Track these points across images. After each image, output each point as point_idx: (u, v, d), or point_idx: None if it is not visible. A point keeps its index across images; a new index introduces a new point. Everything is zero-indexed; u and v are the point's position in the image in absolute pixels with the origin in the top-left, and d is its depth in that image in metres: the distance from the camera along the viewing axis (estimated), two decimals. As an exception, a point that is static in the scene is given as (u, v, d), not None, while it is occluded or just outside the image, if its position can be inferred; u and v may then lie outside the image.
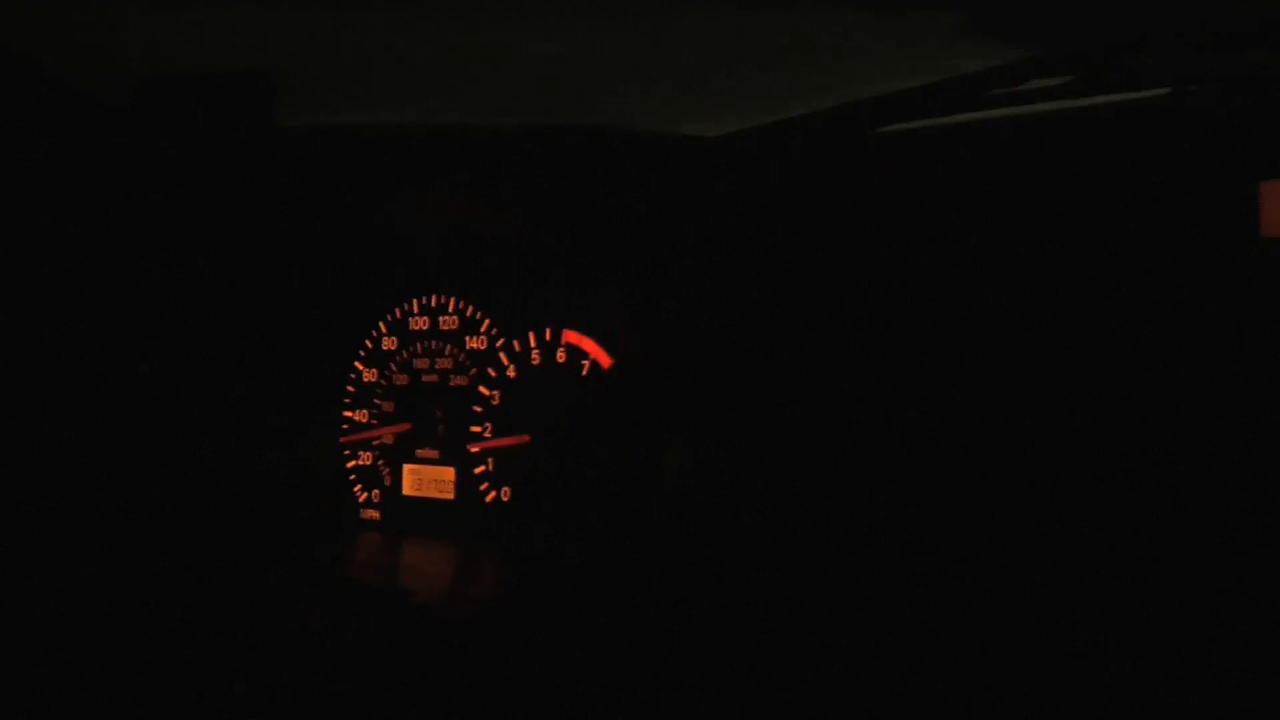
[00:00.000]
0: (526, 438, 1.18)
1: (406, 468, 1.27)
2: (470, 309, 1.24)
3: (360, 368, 1.32)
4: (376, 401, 1.30)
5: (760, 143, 1.08)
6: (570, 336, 1.16)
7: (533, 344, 1.19)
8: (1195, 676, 0.76)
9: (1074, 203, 0.91)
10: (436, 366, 1.26)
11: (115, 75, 1.01)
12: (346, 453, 1.32)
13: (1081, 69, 0.87)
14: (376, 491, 1.30)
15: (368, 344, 1.31)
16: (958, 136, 0.99)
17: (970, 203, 0.96)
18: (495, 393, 1.21)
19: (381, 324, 1.31)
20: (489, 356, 1.22)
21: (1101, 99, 0.91)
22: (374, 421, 1.30)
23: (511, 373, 1.20)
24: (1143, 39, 0.84)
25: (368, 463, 1.31)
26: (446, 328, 1.26)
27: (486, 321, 1.23)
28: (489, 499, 1.21)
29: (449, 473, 1.24)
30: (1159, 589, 0.82)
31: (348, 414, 1.32)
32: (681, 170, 1.10)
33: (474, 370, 1.23)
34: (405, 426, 1.27)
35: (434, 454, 1.26)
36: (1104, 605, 0.83)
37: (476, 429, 1.22)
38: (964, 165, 0.97)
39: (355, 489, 1.31)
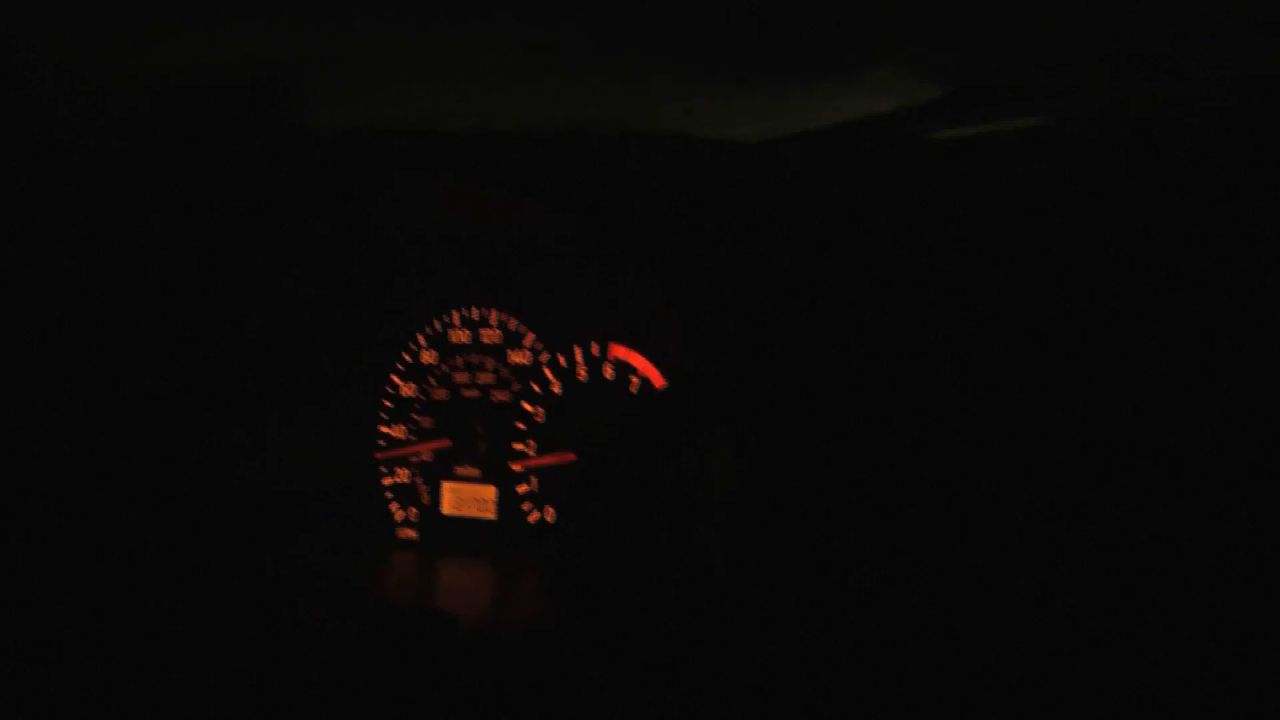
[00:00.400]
0: (571, 456, 1.14)
1: (445, 485, 1.23)
2: (513, 321, 1.20)
3: (398, 381, 1.28)
4: (414, 416, 1.26)
5: (807, 148, 1.04)
6: (618, 350, 1.12)
7: (579, 358, 1.15)
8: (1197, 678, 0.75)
9: (1134, 208, 0.88)
10: (477, 381, 1.22)
11: (136, 83, 0.98)
12: (382, 469, 1.28)
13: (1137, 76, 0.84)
14: (414, 510, 1.26)
15: (405, 357, 1.27)
16: (1008, 143, 0.96)
17: (1023, 211, 0.93)
18: (539, 409, 1.17)
19: (420, 336, 1.27)
20: (532, 371, 1.18)
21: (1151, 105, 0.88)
22: (411, 437, 1.26)
23: (556, 388, 1.16)
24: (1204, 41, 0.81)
25: (405, 480, 1.26)
26: (488, 341, 1.22)
27: (530, 335, 1.19)
28: (532, 519, 1.17)
29: (490, 491, 1.20)
30: (1179, 595, 0.80)
31: (384, 429, 1.28)
32: (732, 176, 1.06)
33: (516, 385, 1.19)
34: (444, 443, 1.23)
35: (474, 471, 1.22)
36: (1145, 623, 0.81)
37: (519, 446, 1.18)
38: (1015, 173, 0.94)
39: (391, 507, 1.27)
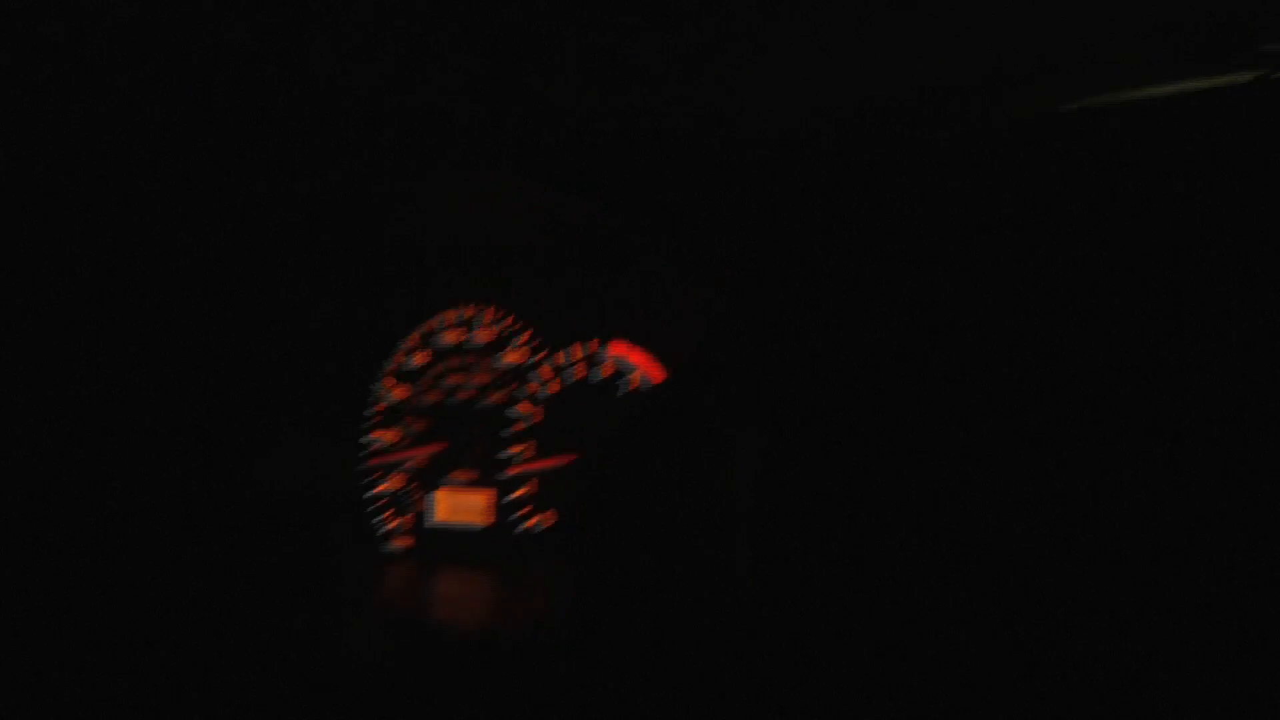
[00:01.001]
0: (570, 458, 1.10)
1: (440, 492, 1.19)
2: (508, 320, 1.16)
3: (389, 385, 1.24)
4: (407, 420, 1.22)
5: (821, 137, 1.01)
6: (618, 348, 1.08)
7: (577, 357, 1.10)
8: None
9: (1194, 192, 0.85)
10: (472, 382, 1.18)
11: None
12: (375, 476, 1.23)
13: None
14: (408, 518, 1.21)
15: (398, 360, 1.23)
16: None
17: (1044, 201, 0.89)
18: (536, 410, 1.13)
19: (412, 338, 1.22)
20: (529, 371, 1.14)
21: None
22: (405, 442, 1.22)
23: (554, 388, 1.12)
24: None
25: (398, 487, 1.22)
26: (482, 341, 1.18)
27: (526, 333, 1.15)
28: (530, 525, 1.12)
29: (486, 497, 1.16)
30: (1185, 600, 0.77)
31: (376, 434, 1.24)
32: (742, 165, 1.03)
33: (513, 386, 1.15)
34: (438, 447, 1.18)
35: (470, 477, 1.17)
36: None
37: (516, 449, 1.13)
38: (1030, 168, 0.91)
39: (385, 515, 1.22)
